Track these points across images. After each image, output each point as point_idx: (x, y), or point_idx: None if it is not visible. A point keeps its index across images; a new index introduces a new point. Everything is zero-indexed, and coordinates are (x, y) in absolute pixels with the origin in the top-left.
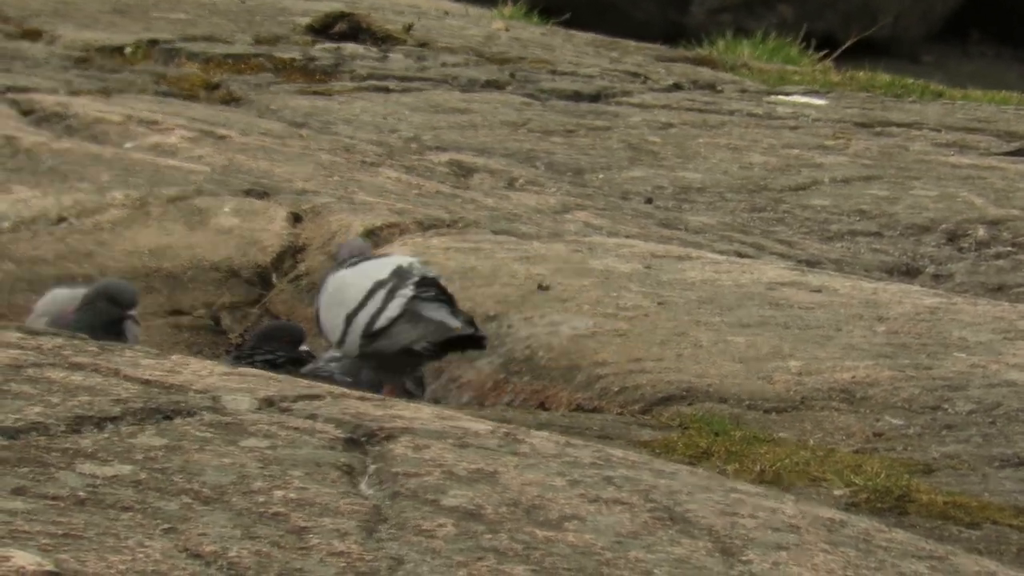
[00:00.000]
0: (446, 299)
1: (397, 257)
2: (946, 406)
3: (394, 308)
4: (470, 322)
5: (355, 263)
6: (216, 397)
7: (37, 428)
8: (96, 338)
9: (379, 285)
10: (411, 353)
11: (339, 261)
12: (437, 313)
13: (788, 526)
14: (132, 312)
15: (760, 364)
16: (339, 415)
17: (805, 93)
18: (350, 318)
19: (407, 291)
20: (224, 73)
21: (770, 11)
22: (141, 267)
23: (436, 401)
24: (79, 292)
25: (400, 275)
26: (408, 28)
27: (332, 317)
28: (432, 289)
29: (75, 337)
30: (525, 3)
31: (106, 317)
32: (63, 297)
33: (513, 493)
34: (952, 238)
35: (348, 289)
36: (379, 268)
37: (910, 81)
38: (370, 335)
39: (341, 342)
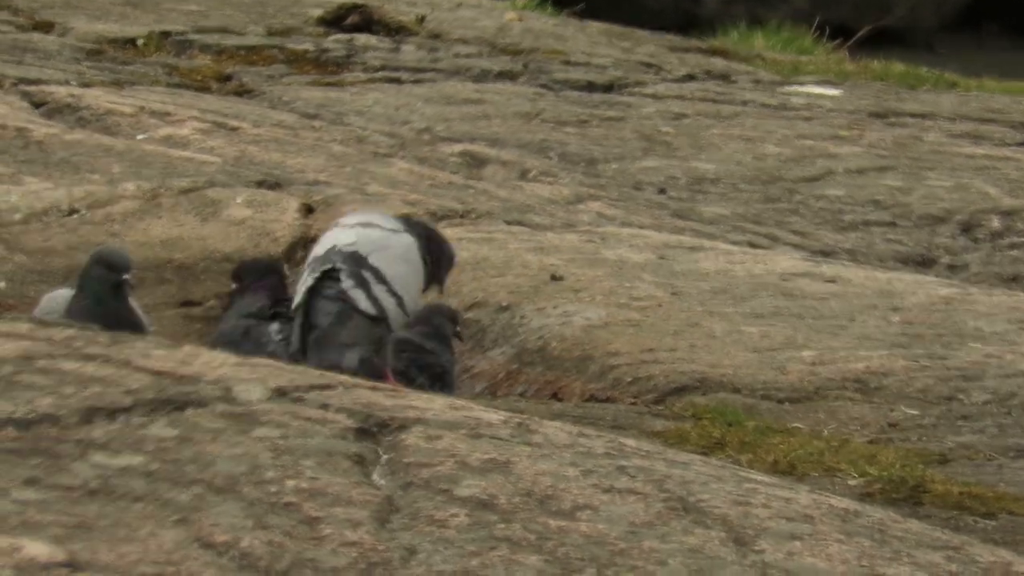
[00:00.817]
0: (342, 299)
1: (338, 231)
2: (961, 396)
3: (296, 299)
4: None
5: (337, 221)
6: (228, 387)
7: (49, 419)
8: (103, 308)
9: (315, 261)
10: None
11: None
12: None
13: (802, 516)
14: (127, 276)
15: (774, 354)
16: (351, 405)
17: (819, 83)
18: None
19: (308, 282)
20: (236, 65)
21: (784, 1)
22: (153, 258)
23: None
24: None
25: (324, 258)
26: (421, 20)
27: None
28: (334, 285)
29: (86, 328)
30: None
31: (107, 282)
32: (63, 298)
33: (526, 483)
34: (967, 228)
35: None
36: (326, 240)
37: (924, 71)
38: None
39: None
